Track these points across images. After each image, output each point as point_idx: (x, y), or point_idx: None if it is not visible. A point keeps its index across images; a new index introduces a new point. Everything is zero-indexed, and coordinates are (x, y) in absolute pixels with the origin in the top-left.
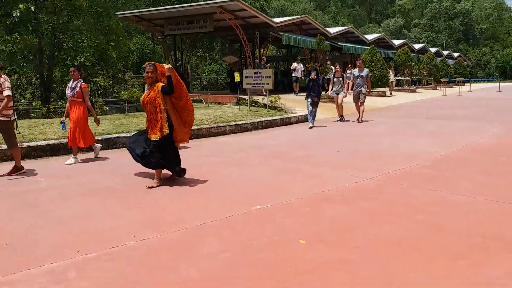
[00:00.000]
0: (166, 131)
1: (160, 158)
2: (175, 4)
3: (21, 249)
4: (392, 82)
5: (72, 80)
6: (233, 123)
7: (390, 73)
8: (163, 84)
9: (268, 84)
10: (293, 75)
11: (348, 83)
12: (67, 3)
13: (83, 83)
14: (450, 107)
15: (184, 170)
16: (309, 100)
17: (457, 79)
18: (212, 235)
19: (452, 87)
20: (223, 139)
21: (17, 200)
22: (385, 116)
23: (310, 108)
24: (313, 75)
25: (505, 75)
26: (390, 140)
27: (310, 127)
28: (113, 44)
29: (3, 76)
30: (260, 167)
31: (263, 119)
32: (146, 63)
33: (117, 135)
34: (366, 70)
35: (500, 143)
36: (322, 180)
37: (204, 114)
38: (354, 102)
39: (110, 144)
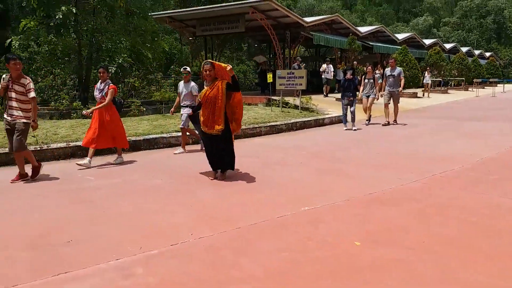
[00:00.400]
0: (222, 125)
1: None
2: (205, 5)
3: (85, 245)
4: (428, 84)
5: (100, 81)
6: (268, 124)
7: (426, 74)
8: (228, 82)
9: (301, 84)
10: (322, 76)
11: (381, 83)
12: (106, 4)
13: (111, 84)
14: (485, 108)
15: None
16: (344, 100)
17: (489, 80)
18: (267, 234)
19: (484, 88)
20: (259, 140)
21: (73, 197)
22: (420, 117)
23: (346, 109)
24: (349, 75)
25: None
26: (428, 142)
27: (346, 129)
28: (148, 45)
29: (27, 77)
30: (301, 167)
31: (296, 120)
32: (203, 62)
33: (158, 135)
34: (398, 69)
35: None
36: (367, 182)
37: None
38: (384, 102)
39: (151, 144)
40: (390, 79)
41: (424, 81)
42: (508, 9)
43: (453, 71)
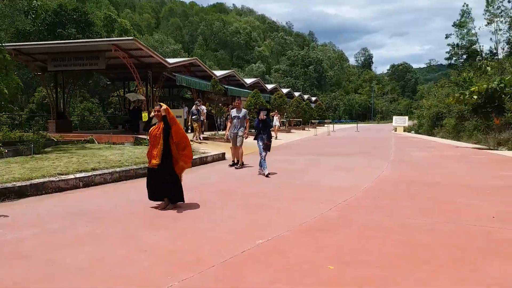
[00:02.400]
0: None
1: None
2: (46, 40)
3: None
4: (276, 125)
5: None
6: None
7: (274, 116)
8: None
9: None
10: (193, 117)
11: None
12: None
13: None
14: (333, 145)
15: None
16: (260, 143)
17: (325, 121)
18: (246, 268)
19: (316, 127)
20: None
21: (4, 252)
22: (286, 154)
23: (264, 153)
24: (262, 115)
25: (351, 116)
26: (313, 175)
27: (267, 175)
28: (2, 79)
29: None
30: (225, 205)
31: None
32: (156, 103)
33: (45, 179)
34: (244, 111)
35: (400, 175)
36: (292, 214)
37: (118, 155)
38: (232, 145)
39: (39, 189)
40: (235, 121)
41: (273, 123)
42: (325, 60)
43: (292, 113)
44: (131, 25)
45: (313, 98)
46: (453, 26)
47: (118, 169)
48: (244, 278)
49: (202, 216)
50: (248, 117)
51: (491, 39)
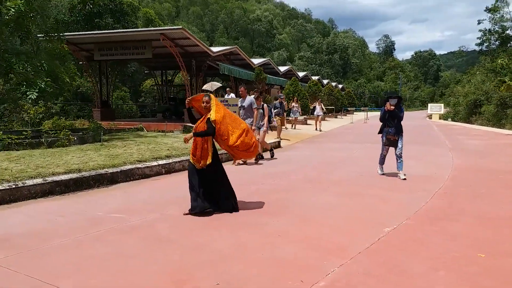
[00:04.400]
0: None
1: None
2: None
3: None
4: (318, 116)
5: None
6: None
7: (317, 105)
8: (208, 117)
9: (235, 112)
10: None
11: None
12: (21, 24)
13: None
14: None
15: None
16: (383, 138)
17: (362, 108)
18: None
19: (346, 115)
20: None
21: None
22: (334, 142)
23: (385, 151)
24: (388, 105)
25: (377, 104)
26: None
27: (382, 174)
28: (63, 68)
29: None
30: (324, 193)
31: None
32: (203, 94)
33: (133, 166)
34: (249, 99)
35: (472, 163)
36: (397, 202)
37: (180, 142)
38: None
39: (128, 176)
40: (241, 112)
41: (315, 113)
42: (352, 47)
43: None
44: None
45: (340, 86)
46: (485, 11)
47: None
48: (400, 264)
49: (305, 202)
50: (256, 106)
51: None
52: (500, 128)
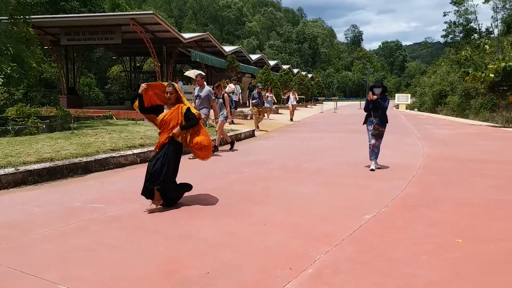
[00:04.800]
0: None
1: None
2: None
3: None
4: (293, 105)
5: None
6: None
7: (291, 95)
8: (188, 108)
9: (190, 100)
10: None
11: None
12: None
13: None
14: (350, 123)
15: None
16: (369, 128)
17: (332, 98)
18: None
19: (316, 105)
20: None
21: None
22: (307, 132)
23: (373, 141)
24: (371, 95)
25: (345, 94)
26: (355, 154)
27: (372, 169)
28: (29, 52)
29: None
30: (306, 182)
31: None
32: (166, 84)
33: (107, 155)
34: (207, 89)
35: (441, 152)
36: (374, 190)
37: (153, 131)
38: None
39: (103, 165)
40: (197, 101)
41: (289, 103)
42: (321, 36)
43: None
44: None
45: (309, 75)
46: (450, 3)
47: None
48: (384, 251)
49: (287, 191)
50: (213, 96)
51: (491, 17)
52: (464, 118)
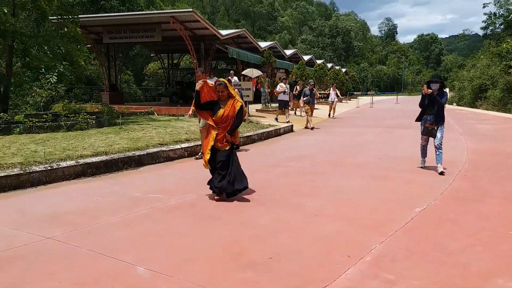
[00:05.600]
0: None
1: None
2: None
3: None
4: (333, 102)
5: None
6: (244, 134)
7: (331, 91)
8: (242, 104)
9: (248, 96)
10: (279, 98)
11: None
12: (38, 7)
13: None
14: (389, 117)
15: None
16: (422, 127)
17: (368, 92)
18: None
19: (350, 100)
20: (251, 149)
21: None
22: (347, 127)
23: (423, 141)
24: (425, 89)
25: (380, 88)
26: (399, 148)
27: (422, 167)
28: (78, 51)
29: None
30: (350, 176)
31: (261, 131)
32: (216, 82)
33: (157, 149)
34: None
35: (487, 147)
36: (421, 184)
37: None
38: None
39: (154, 158)
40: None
41: (329, 99)
42: (354, 30)
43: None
44: None
45: (343, 70)
46: None
47: None
48: (438, 241)
49: (334, 184)
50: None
51: None
52: (506, 113)
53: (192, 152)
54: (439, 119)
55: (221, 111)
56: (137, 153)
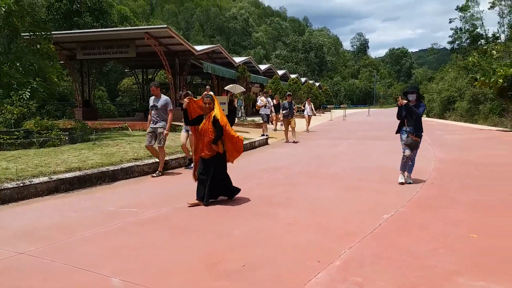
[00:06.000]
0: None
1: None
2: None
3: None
4: (309, 116)
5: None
6: None
7: (307, 105)
8: (215, 115)
9: (224, 110)
10: (261, 112)
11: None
12: (9, 24)
13: None
14: (361, 129)
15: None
16: (403, 137)
17: (341, 105)
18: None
19: (324, 113)
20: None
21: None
22: (319, 139)
23: (407, 152)
24: (400, 100)
25: (352, 101)
26: (370, 159)
27: (401, 183)
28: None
29: None
30: (322, 186)
31: None
32: (203, 94)
33: (132, 163)
34: (165, 98)
35: (455, 156)
36: (390, 192)
37: (170, 141)
38: (147, 145)
39: (128, 173)
40: (152, 112)
41: (305, 113)
42: (327, 45)
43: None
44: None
45: (317, 84)
46: (456, 9)
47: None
48: (404, 246)
49: (307, 195)
50: (171, 107)
51: (498, 22)
52: (473, 123)
53: (166, 167)
54: (418, 130)
55: (202, 124)
56: (111, 168)
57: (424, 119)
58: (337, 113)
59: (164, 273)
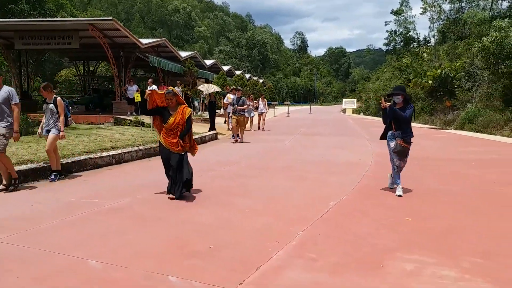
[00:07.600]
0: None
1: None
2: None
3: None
4: (264, 113)
5: None
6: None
7: (260, 101)
8: (191, 111)
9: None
10: (228, 110)
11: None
12: None
13: None
14: (305, 126)
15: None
16: (391, 144)
17: (285, 102)
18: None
19: (269, 110)
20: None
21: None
22: (265, 134)
23: (397, 161)
24: (383, 102)
25: (294, 99)
26: (314, 153)
27: (399, 195)
28: None
29: None
30: (275, 177)
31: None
32: (165, 91)
33: (85, 156)
34: (6, 89)
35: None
36: (334, 183)
37: (120, 134)
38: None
39: (82, 166)
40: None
41: (259, 110)
42: (269, 42)
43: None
44: None
45: (261, 80)
46: (391, 13)
47: (141, 147)
48: (350, 227)
49: (261, 185)
50: (16, 100)
51: (428, 27)
52: None
53: (119, 159)
54: (406, 135)
55: (171, 119)
56: (65, 160)
57: (361, 116)
58: (281, 109)
59: (137, 255)
